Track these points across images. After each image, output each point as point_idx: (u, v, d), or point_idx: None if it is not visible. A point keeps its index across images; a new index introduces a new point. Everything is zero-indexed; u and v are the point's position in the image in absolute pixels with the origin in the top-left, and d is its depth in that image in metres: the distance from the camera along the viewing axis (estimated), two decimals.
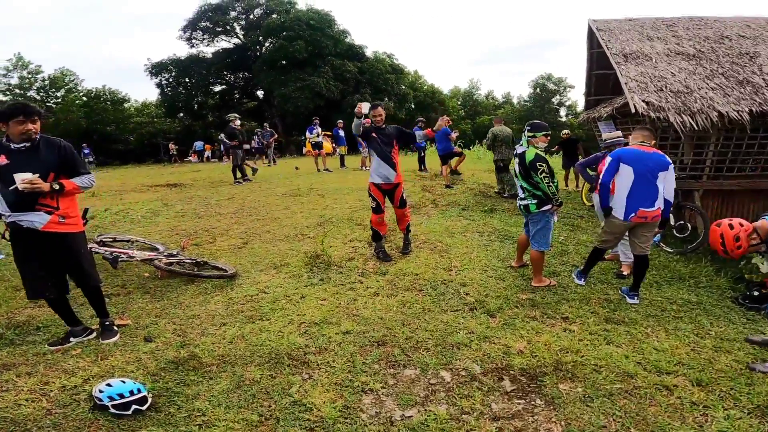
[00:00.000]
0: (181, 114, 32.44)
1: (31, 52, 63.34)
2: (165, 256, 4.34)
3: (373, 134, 4.57)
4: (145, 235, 5.88)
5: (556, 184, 3.96)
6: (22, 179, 2.62)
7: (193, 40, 30.93)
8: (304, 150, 19.75)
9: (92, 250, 4.26)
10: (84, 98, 32.01)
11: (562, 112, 49.44)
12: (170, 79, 30.96)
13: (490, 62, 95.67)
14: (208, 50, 31.97)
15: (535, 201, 3.98)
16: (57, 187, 2.75)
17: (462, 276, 4.34)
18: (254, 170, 11.17)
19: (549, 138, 3.98)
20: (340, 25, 31.66)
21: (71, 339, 3.10)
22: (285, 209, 7.21)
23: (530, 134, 3.95)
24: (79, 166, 2.93)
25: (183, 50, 42.67)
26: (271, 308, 3.60)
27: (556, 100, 49.57)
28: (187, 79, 31.01)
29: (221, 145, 14.02)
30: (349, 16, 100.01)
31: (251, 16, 31.04)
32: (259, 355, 2.93)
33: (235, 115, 10.54)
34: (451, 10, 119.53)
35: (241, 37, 31.57)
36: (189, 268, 4.30)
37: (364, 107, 4.40)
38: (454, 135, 9.83)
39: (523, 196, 4.08)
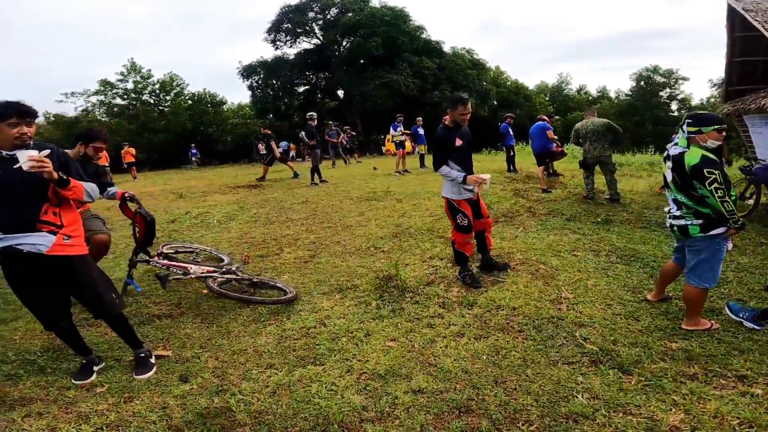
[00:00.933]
0: (271, 115, 33.90)
1: (141, 59, 71.43)
2: (222, 272, 3.91)
3: (458, 142, 3.69)
4: (216, 243, 5.63)
5: (734, 197, 2.72)
6: (29, 156, 2.16)
7: (277, 42, 31.99)
8: (384, 149, 19.17)
9: (152, 263, 3.96)
10: (189, 101, 34.94)
11: (674, 105, 43.71)
12: (259, 81, 32.39)
13: (579, 57, 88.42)
14: (291, 51, 32.91)
15: (699, 221, 2.78)
16: (64, 176, 2.28)
17: (576, 312, 3.28)
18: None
19: (724, 134, 2.74)
20: (415, 21, 31.11)
21: (94, 368, 2.72)
22: (359, 216, 6.60)
23: (693, 129, 2.75)
24: (79, 174, 2.47)
25: (269, 52, 45.00)
26: (328, 348, 2.91)
27: (665, 93, 43.89)
28: (274, 81, 32.22)
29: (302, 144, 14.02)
30: (423, 12, 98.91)
31: (328, 16, 31.36)
32: (304, 416, 2.24)
33: (313, 114, 10.29)
34: (533, 2, 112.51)
35: (320, 37, 32.06)
36: (245, 288, 3.82)
37: (487, 182, 3.68)
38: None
39: (678, 213, 2.89)
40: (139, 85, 32.48)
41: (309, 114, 10.38)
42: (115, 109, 32.54)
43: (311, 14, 31.18)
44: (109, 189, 3.74)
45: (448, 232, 5.52)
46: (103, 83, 31.70)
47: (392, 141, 12.19)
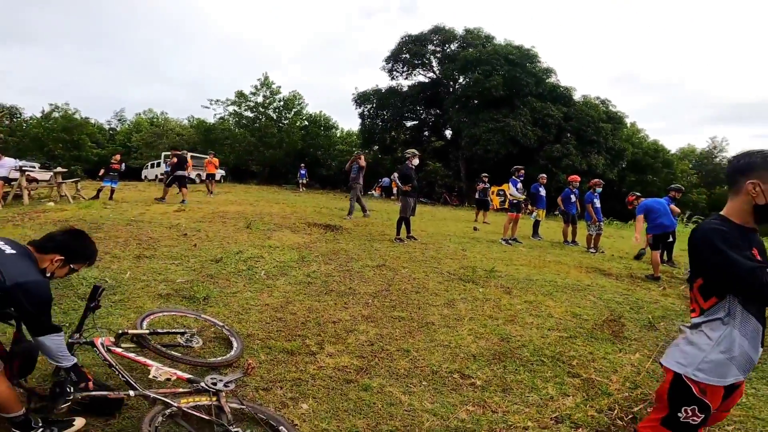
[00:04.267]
0: (376, 146, 33.29)
1: (277, 77, 77.20)
2: (194, 390, 2.30)
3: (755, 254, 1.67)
4: (243, 311, 4.12)
5: None
6: None
7: (394, 72, 31.29)
8: (491, 206, 16.35)
9: (108, 347, 2.49)
10: (306, 122, 36.03)
11: None
12: (371, 110, 31.99)
13: (738, 120, 76.31)
14: (405, 83, 32.00)
15: None
16: None
17: None
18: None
19: None
20: (544, 63, 28.37)
21: None
22: (447, 306, 4.64)
23: None
24: None
25: (385, 82, 45.24)
26: None
27: None
28: (384, 112, 31.58)
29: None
30: (552, 56, 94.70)
31: (447, 49, 30.06)
32: None
33: (413, 151, 8.31)
34: (686, 56, 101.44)
35: (437, 70, 30.78)
36: None
37: None
38: None
39: None
40: (267, 100, 33.85)
41: (409, 151, 8.40)
42: (243, 121, 34.69)
43: (431, 46, 30.21)
44: None
45: (589, 368, 3.41)
46: (238, 94, 33.69)
47: (509, 199, 9.91)
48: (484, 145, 24.97)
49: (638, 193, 8.11)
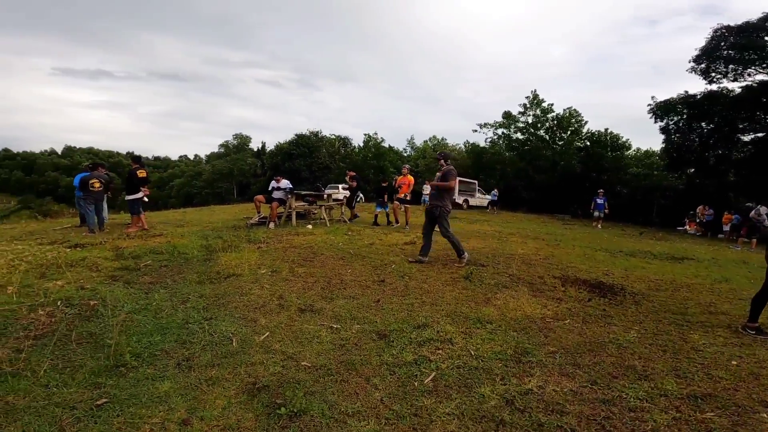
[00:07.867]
0: (692, 169, 24.82)
1: (548, 96, 70.20)
2: None
3: None
4: None
5: None
6: None
7: (712, 73, 22.24)
8: None
9: None
10: (587, 141, 31.40)
11: None
12: (679, 123, 23.83)
13: None
14: (733, 86, 22.24)
15: None
16: None
17: None
18: None
19: None
20: None
21: None
22: None
23: None
24: None
25: (697, 86, 33.41)
26: None
27: None
28: (702, 124, 23.01)
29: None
30: None
31: None
32: None
33: None
34: None
35: None
36: None
37: None
38: None
39: None
40: (539, 120, 31.77)
41: None
42: (513, 144, 33.43)
43: None
44: None
45: None
46: (506, 115, 32.98)
47: None
48: None
49: None
